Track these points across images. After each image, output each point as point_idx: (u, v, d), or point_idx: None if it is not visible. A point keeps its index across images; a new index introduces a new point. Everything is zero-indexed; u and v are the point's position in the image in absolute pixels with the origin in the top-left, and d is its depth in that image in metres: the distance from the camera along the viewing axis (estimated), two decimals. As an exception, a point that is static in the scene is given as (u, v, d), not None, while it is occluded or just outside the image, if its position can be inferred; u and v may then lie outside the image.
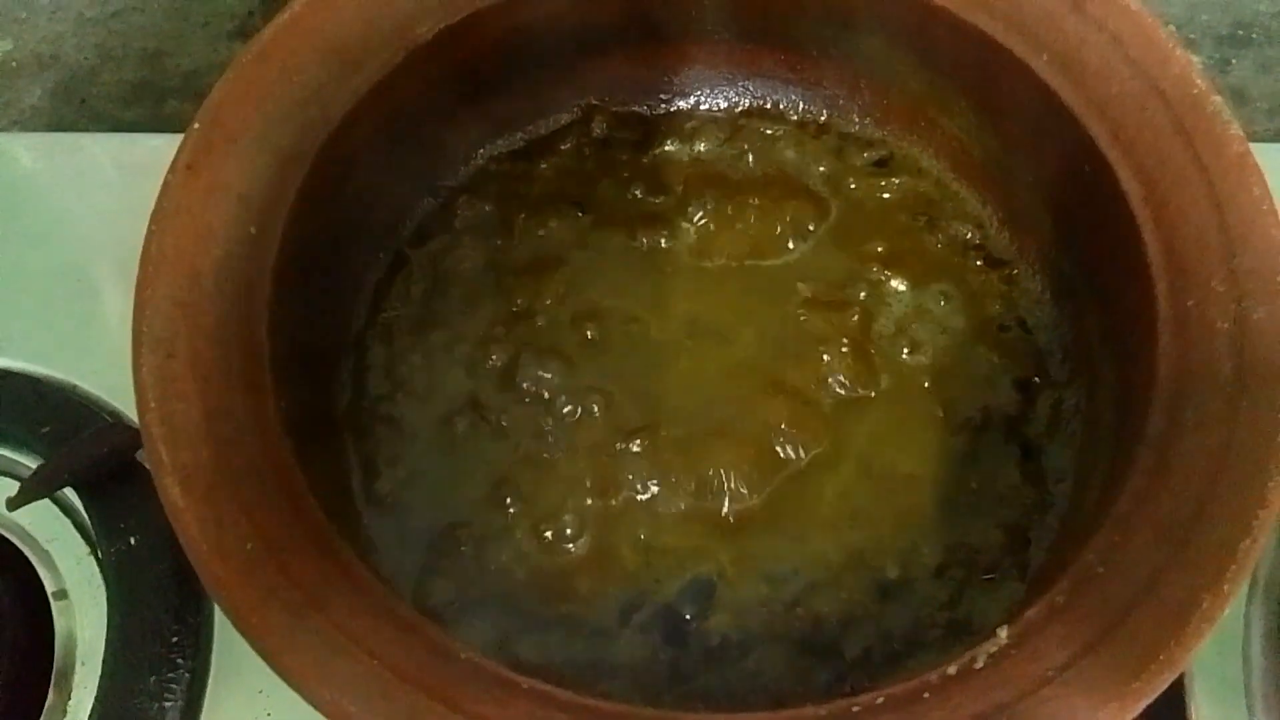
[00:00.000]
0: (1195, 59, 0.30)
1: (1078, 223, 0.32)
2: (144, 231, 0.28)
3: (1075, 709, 0.22)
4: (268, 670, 0.34)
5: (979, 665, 0.23)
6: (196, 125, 0.28)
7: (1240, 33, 0.53)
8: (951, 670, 0.23)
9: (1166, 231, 0.28)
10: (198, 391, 0.25)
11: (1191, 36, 0.52)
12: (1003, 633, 0.24)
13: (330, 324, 0.33)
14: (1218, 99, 0.29)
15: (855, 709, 0.23)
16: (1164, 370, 0.26)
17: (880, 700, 0.23)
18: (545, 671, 0.28)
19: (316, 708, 0.22)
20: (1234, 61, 0.52)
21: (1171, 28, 0.31)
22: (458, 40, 0.33)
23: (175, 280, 0.26)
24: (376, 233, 0.35)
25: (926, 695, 0.23)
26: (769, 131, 0.39)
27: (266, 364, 0.27)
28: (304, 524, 0.25)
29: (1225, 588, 0.23)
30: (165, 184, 0.28)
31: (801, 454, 0.33)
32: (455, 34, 0.33)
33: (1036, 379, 0.34)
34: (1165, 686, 0.22)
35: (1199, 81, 0.29)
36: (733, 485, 0.32)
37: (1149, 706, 0.32)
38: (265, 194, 0.29)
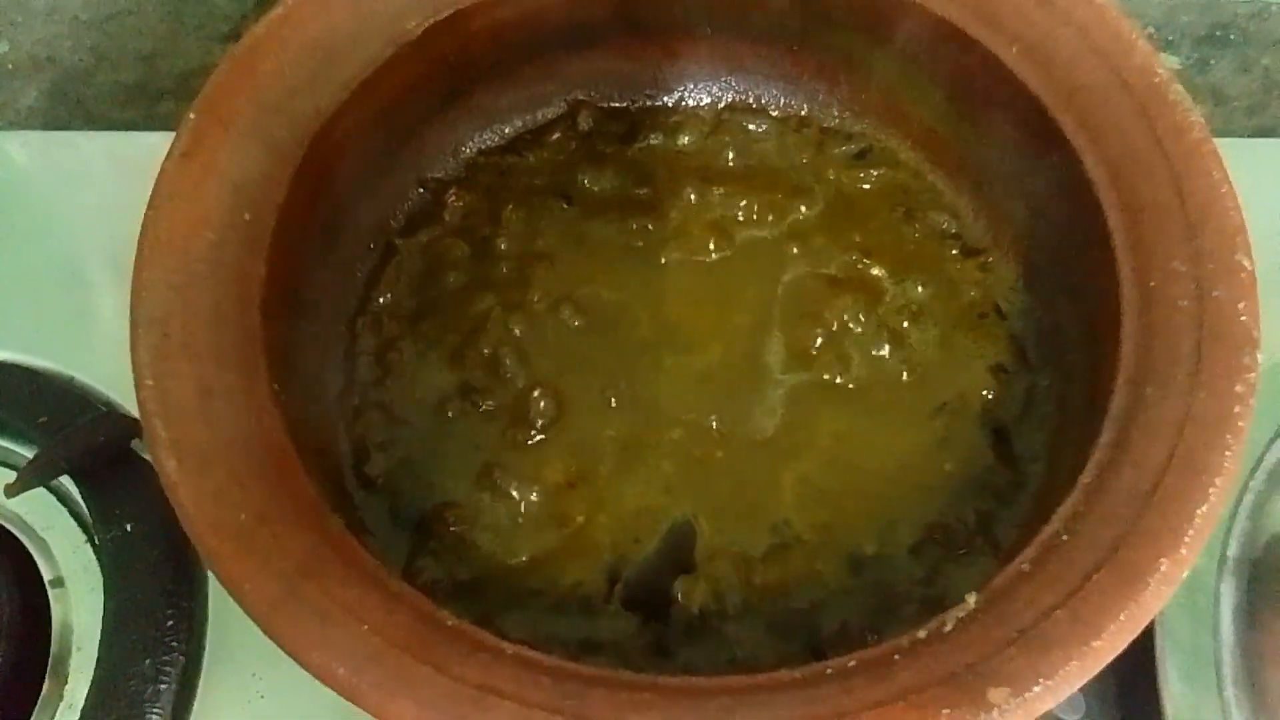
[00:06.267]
0: (1171, 56, 0.31)
1: (1048, 210, 0.33)
2: (138, 228, 0.28)
3: (1038, 667, 0.23)
4: (261, 653, 0.34)
5: (948, 629, 0.24)
6: (192, 115, 0.29)
7: (1219, 33, 0.54)
8: (921, 634, 0.24)
9: (1130, 215, 0.29)
10: (192, 370, 0.26)
11: (1171, 38, 0.53)
12: (971, 598, 0.25)
13: (323, 311, 0.34)
14: (1179, 87, 0.30)
15: (829, 671, 0.23)
16: (1127, 348, 0.27)
17: (853, 663, 0.24)
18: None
19: (308, 670, 0.23)
20: (1213, 62, 0.53)
21: (1134, 20, 0.32)
22: (445, 36, 0.34)
23: (171, 263, 0.27)
24: (367, 223, 0.36)
25: (897, 657, 0.24)
26: (751, 125, 0.39)
27: (260, 346, 0.28)
28: (296, 498, 0.26)
29: (1183, 552, 0.24)
30: (162, 171, 0.28)
31: (780, 437, 0.33)
32: (442, 29, 0.34)
33: (1011, 363, 0.35)
34: (1125, 645, 0.23)
35: (1160, 70, 0.30)
36: (715, 464, 0.33)
37: (1121, 678, 0.33)
38: (259, 182, 0.29)
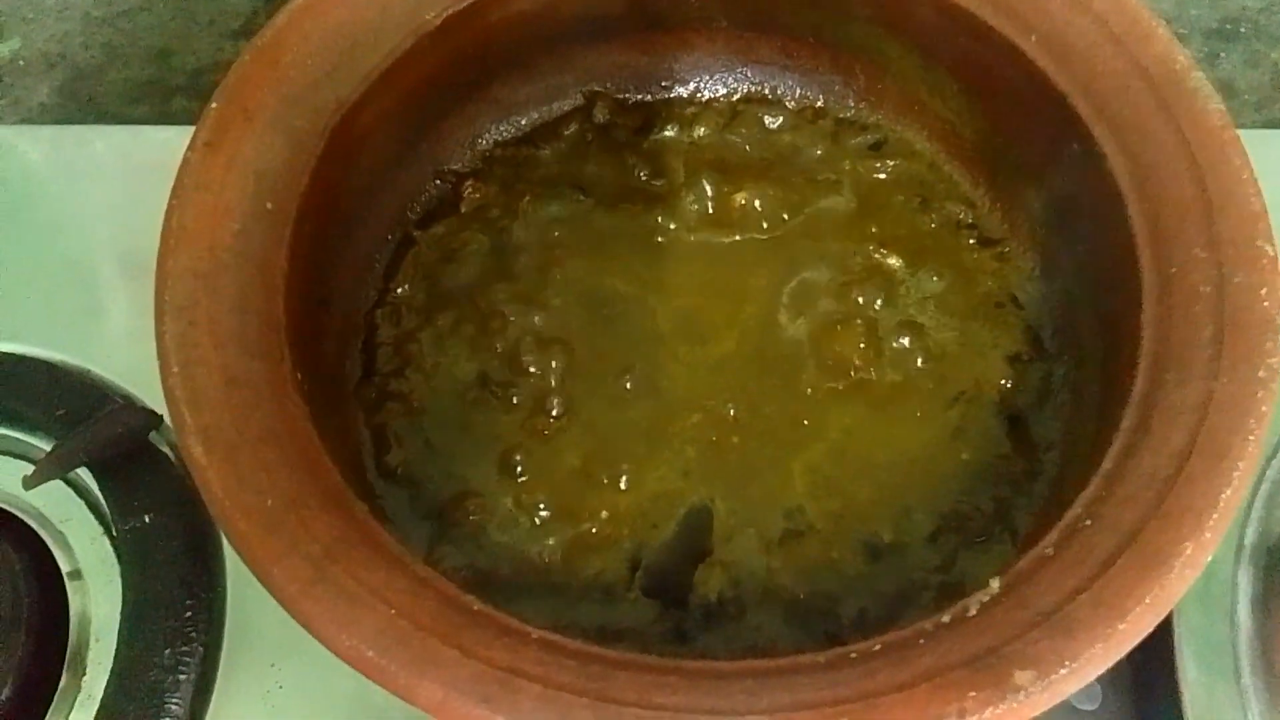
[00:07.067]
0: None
1: (1066, 199, 0.33)
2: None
3: (1063, 650, 0.23)
4: (280, 643, 0.35)
5: (971, 613, 0.24)
6: (215, 105, 0.29)
7: (1228, 27, 0.54)
8: (945, 618, 0.24)
9: (1150, 203, 0.29)
10: (217, 358, 0.26)
11: (1181, 31, 0.54)
12: (994, 583, 0.25)
13: (342, 301, 0.34)
14: (1199, 74, 0.30)
15: (852, 655, 0.24)
16: (1148, 335, 0.27)
17: (877, 647, 0.24)
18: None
19: (337, 653, 0.23)
20: (1222, 55, 0.53)
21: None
22: (464, 27, 0.34)
23: (195, 252, 0.27)
24: (385, 214, 0.36)
25: (921, 641, 0.24)
26: (766, 117, 0.40)
27: (283, 334, 0.28)
28: (320, 484, 0.26)
29: (1207, 535, 0.24)
30: (185, 160, 0.29)
31: (796, 425, 0.34)
32: (461, 21, 0.34)
33: (1027, 352, 0.35)
34: (1150, 629, 0.23)
35: (1180, 58, 0.30)
36: (731, 449, 0.33)
37: (1138, 667, 0.33)
38: (280, 172, 0.30)
